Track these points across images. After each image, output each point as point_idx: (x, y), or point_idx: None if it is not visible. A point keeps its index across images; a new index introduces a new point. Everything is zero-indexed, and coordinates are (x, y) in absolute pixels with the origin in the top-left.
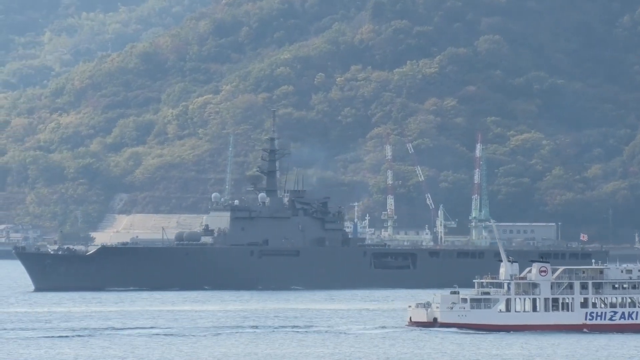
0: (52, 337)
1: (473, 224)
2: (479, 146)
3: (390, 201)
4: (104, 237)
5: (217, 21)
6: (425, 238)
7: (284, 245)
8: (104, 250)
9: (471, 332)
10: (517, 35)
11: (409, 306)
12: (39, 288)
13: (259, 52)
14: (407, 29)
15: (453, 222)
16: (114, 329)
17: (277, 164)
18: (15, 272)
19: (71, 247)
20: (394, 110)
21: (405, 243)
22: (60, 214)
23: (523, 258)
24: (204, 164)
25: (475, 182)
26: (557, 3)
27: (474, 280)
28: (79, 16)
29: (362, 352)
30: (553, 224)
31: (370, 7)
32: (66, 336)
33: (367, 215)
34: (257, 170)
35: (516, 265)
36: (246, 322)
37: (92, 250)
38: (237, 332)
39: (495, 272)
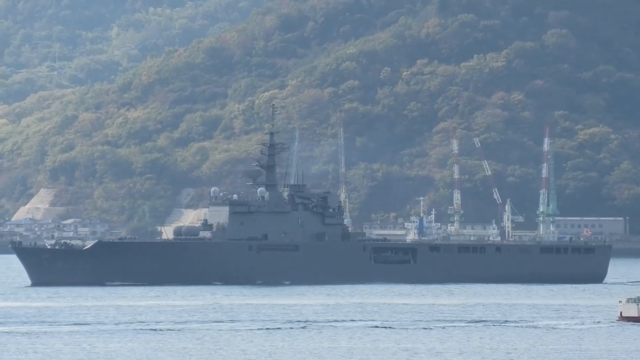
0: None
1: (541, 218)
2: (546, 140)
3: (457, 196)
4: (171, 231)
5: (283, 16)
6: (492, 233)
7: (283, 240)
8: (101, 245)
9: None
10: (585, 29)
11: (620, 301)
12: (35, 283)
13: (325, 47)
14: (474, 23)
15: (520, 217)
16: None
17: (275, 158)
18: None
19: (68, 241)
20: (460, 104)
21: (472, 238)
22: (128, 209)
23: (525, 252)
24: None
25: (543, 176)
26: None
27: None
28: (146, 11)
29: (603, 348)
30: (621, 218)
31: (436, 1)
32: None
33: (433, 209)
34: (256, 165)
35: None
36: (465, 315)
37: (89, 244)
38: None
39: (496, 266)
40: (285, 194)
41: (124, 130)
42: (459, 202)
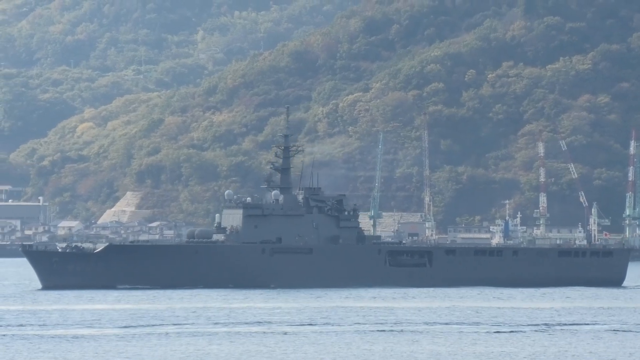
0: None
1: (627, 222)
2: (633, 143)
3: (543, 199)
4: None
5: (368, 19)
6: (578, 236)
7: (297, 243)
8: (112, 248)
9: None
10: None
11: None
12: (46, 286)
13: (409, 50)
14: (560, 25)
15: (607, 220)
16: None
17: (290, 160)
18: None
19: (79, 244)
20: (546, 107)
21: (558, 241)
22: (213, 212)
23: (542, 256)
24: (354, 161)
25: (630, 179)
26: None
27: None
28: (231, 15)
29: None
30: None
31: (522, 4)
32: None
33: (519, 213)
34: (270, 168)
35: None
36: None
37: (100, 247)
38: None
39: (513, 270)
40: (300, 197)
41: (209, 133)
42: (545, 206)
